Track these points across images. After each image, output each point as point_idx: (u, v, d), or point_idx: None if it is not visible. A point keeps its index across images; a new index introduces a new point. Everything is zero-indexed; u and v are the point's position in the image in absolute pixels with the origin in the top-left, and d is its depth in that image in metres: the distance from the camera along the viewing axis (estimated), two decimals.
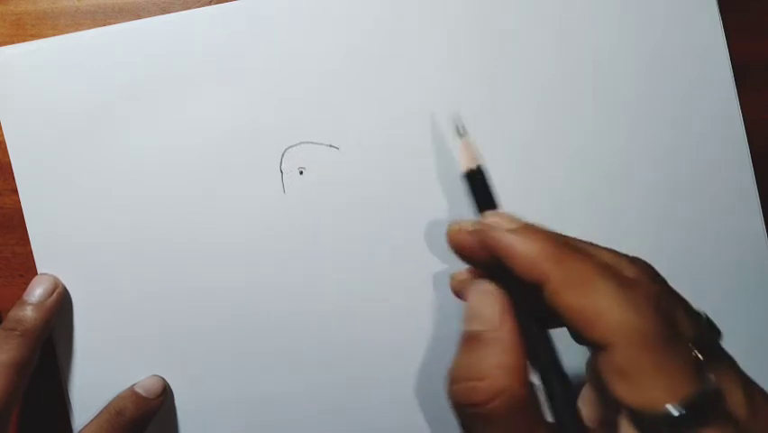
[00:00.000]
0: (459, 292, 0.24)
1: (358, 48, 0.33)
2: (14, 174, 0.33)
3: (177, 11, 0.33)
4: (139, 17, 0.34)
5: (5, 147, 0.33)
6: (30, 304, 0.32)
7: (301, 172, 0.33)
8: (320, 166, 0.33)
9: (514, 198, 0.34)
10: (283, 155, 0.33)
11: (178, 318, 0.33)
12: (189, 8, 0.34)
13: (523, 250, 0.20)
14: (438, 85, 0.34)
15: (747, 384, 0.20)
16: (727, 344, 0.34)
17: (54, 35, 0.33)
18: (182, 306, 0.33)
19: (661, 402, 0.18)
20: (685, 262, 0.34)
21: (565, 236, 0.21)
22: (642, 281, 0.20)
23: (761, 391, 0.20)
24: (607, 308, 0.19)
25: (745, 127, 0.34)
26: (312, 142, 0.33)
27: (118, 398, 0.32)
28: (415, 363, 0.33)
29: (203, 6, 0.33)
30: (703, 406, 0.18)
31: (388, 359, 0.33)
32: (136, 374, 0.33)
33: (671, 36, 0.34)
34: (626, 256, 0.21)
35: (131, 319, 0.33)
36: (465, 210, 0.25)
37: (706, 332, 0.20)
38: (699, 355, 0.19)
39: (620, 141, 0.34)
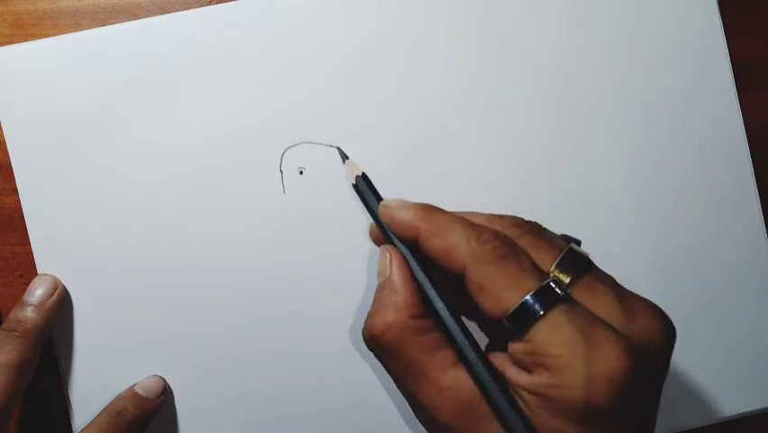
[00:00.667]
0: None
1: (358, 48, 0.33)
2: (14, 174, 0.33)
3: (176, 11, 0.33)
4: (138, 17, 0.34)
5: (5, 147, 0.33)
6: (30, 305, 0.32)
7: (301, 172, 0.33)
8: (320, 166, 0.33)
9: (513, 198, 0.34)
10: (283, 155, 0.33)
11: (178, 318, 0.33)
12: (189, 8, 0.34)
13: (400, 216, 0.26)
14: (438, 84, 0.34)
15: (622, 294, 0.23)
16: (726, 343, 0.34)
17: (54, 35, 0.33)
18: (182, 306, 0.33)
19: (512, 301, 0.22)
20: (685, 262, 0.34)
21: (434, 206, 0.27)
22: (490, 225, 0.25)
23: (640, 300, 0.24)
24: (457, 241, 0.24)
25: (745, 127, 0.34)
26: (312, 143, 0.33)
27: (118, 398, 0.32)
28: None
29: (203, 6, 0.34)
30: (546, 295, 0.22)
31: None
32: (136, 374, 0.33)
33: (671, 36, 0.34)
34: (498, 215, 0.26)
35: (131, 319, 0.33)
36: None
37: (570, 256, 0.24)
38: (561, 273, 0.23)
39: (620, 141, 0.34)
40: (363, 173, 0.30)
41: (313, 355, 0.33)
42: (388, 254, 0.26)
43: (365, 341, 0.26)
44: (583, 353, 0.21)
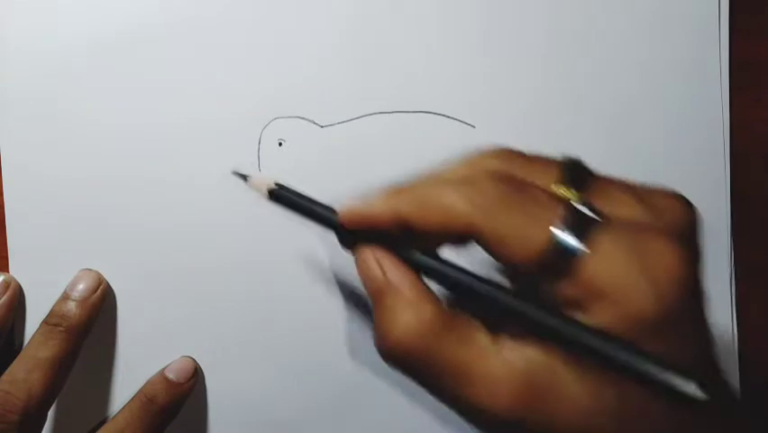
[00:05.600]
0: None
1: (348, 25, 0.33)
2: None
3: None
4: None
5: None
6: (73, 300, 0.31)
7: (280, 144, 0.32)
8: (300, 141, 0.33)
9: None
10: (262, 132, 0.33)
11: (169, 310, 0.33)
12: None
13: (375, 213, 0.22)
14: (426, 63, 0.33)
15: (634, 189, 0.21)
16: None
17: None
18: (179, 300, 0.33)
19: (541, 239, 0.19)
20: None
21: (398, 187, 0.22)
22: (482, 175, 0.21)
23: (652, 189, 0.22)
24: (452, 203, 0.20)
25: (744, 127, 0.34)
26: (296, 117, 0.33)
27: (149, 383, 0.32)
28: None
29: None
30: (574, 218, 0.20)
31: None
32: (136, 374, 0.33)
33: (670, 36, 0.34)
34: (467, 159, 0.23)
35: (130, 318, 0.33)
36: None
37: (570, 166, 0.22)
38: (568, 190, 0.21)
39: (616, 141, 0.34)
40: (277, 183, 0.25)
41: (312, 352, 0.34)
42: (371, 258, 0.22)
43: (385, 357, 0.21)
44: (639, 266, 0.19)
